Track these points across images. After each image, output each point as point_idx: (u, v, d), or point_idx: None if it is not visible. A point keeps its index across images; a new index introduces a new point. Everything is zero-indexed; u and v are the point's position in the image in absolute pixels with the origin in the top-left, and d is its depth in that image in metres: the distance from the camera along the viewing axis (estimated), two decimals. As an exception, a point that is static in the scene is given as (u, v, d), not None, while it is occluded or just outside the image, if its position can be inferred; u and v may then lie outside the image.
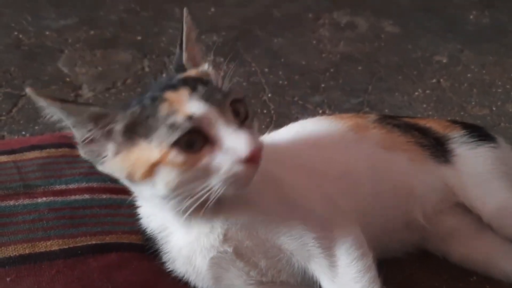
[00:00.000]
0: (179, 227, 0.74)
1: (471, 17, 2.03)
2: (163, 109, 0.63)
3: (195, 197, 0.63)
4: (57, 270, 0.72)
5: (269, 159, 0.76)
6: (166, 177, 0.63)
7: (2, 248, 0.75)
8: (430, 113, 1.44)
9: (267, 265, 0.75)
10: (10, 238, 0.77)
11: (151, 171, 0.63)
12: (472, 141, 0.93)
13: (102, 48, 1.76)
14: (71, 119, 0.64)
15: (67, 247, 0.77)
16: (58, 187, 0.91)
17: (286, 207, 0.74)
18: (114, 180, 0.91)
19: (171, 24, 1.94)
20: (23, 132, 1.32)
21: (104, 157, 0.67)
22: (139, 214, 0.81)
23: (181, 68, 0.73)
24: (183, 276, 0.76)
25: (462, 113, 1.42)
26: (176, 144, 0.62)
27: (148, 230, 0.79)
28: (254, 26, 1.94)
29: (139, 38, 1.84)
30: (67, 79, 1.56)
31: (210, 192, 0.63)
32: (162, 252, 0.78)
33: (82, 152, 0.67)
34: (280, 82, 1.55)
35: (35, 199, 0.87)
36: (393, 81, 1.57)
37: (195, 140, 0.63)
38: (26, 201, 0.86)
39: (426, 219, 0.88)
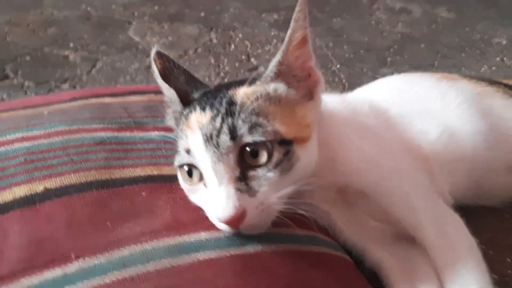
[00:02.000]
0: None
1: (523, 7, 2.01)
2: (183, 126, 0.64)
3: None
4: (187, 190, 0.72)
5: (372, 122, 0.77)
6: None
7: (130, 169, 0.74)
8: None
9: (375, 225, 0.73)
10: (135, 161, 0.76)
11: None
12: None
13: (168, 21, 1.76)
14: None
15: (191, 172, 0.76)
16: (166, 125, 0.91)
17: (399, 175, 0.72)
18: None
19: (231, 4, 1.95)
20: (106, 90, 1.33)
21: None
22: None
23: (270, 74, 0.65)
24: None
25: (532, 88, 1.40)
26: (181, 167, 0.64)
27: None
28: (312, 8, 1.93)
29: (202, 14, 1.84)
30: (140, 46, 1.56)
31: None
32: None
33: None
34: (347, 55, 1.54)
35: (148, 132, 0.86)
36: (458, 58, 1.55)
37: (192, 171, 0.62)
38: (141, 134, 0.85)
39: None
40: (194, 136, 0.61)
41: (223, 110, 0.61)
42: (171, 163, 0.77)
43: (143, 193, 0.69)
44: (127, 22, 1.74)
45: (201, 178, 0.62)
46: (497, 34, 1.72)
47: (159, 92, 1.05)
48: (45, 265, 0.58)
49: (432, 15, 1.89)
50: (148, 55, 1.54)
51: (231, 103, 0.62)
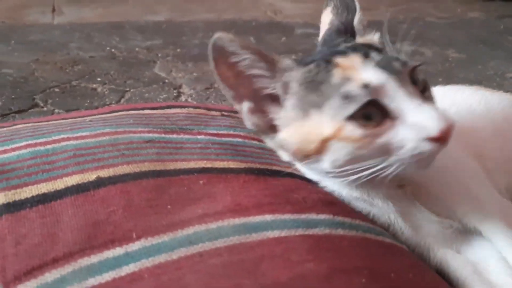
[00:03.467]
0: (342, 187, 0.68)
1: (528, 49, 2.09)
2: (336, 75, 0.56)
3: (363, 174, 0.57)
4: (244, 180, 0.68)
5: None
6: (336, 154, 0.56)
7: (184, 162, 0.71)
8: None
9: (438, 221, 0.69)
10: (187, 156, 0.74)
11: (322, 147, 0.56)
12: None
13: (192, 61, 1.80)
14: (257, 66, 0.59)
15: (243, 167, 0.73)
16: (210, 131, 0.88)
17: (461, 169, 0.70)
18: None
19: (250, 47, 2.01)
20: (136, 115, 1.33)
21: (271, 129, 0.63)
22: None
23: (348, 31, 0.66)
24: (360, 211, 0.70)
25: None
26: (352, 117, 0.54)
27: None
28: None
29: (223, 55, 1.89)
30: (166, 81, 1.58)
31: (383, 170, 0.56)
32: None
33: (249, 122, 0.63)
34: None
35: (194, 136, 0.84)
36: (477, 89, 1.58)
37: (372, 113, 0.54)
38: (187, 136, 0.83)
39: None
40: (366, 70, 0.55)
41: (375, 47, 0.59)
42: (223, 160, 0.75)
43: (201, 182, 0.66)
44: (151, 61, 1.79)
45: (383, 116, 0.55)
46: (509, 70, 1.76)
47: (196, 107, 1.06)
48: (104, 245, 0.54)
49: (443, 55, 1.94)
50: (175, 88, 1.56)
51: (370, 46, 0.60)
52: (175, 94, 1.48)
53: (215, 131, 0.89)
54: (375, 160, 0.55)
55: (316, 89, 0.57)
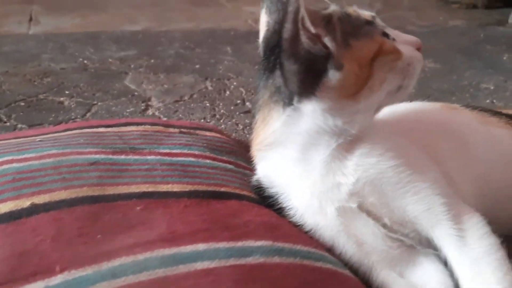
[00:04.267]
0: (305, 178, 0.68)
1: (505, 58, 2.07)
2: (352, 11, 0.69)
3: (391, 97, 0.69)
4: (184, 205, 0.67)
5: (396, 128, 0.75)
6: (382, 72, 0.65)
7: (125, 186, 0.70)
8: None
9: (390, 224, 0.68)
10: (131, 180, 0.73)
11: (371, 68, 0.65)
12: None
13: (165, 72, 1.79)
14: None
15: (187, 190, 0.72)
16: (162, 150, 0.87)
17: (416, 169, 0.69)
18: (214, 150, 0.93)
19: (225, 57, 2.00)
20: (100, 130, 1.31)
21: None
22: (255, 176, 0.78)
23: None
24: (311, 229, 0.70)
25: (524, 126, 1.41)
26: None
27: (270, 190, 0.74)
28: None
29: (197, 66, 1.88)
30: (136, 93, 1.57)
31: (404, 87, 0.68)
32: (286, 208, 0.72)
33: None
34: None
35: (144, 156, 0.83)
36: (448, 101, 1.56)
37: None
38: (136, 157, 0.82)
39: None
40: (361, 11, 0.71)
41: None
42: (168, 182, 0.74)
43: (138, 208, 0.65)
44: (123, 72, 1.77)
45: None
46: (484, 81, 1.77)
47: (154, 123, 1.05)
48: (25, 279, 0.53)
49: (419, 65, 1.95)
50: (144, 100, 1.55)
51: None
52: (142, 107, 1.46)
53: (167, 150, 0.88)
54: (399, 77, 0.68)
55: (348, 20, 0.67)
